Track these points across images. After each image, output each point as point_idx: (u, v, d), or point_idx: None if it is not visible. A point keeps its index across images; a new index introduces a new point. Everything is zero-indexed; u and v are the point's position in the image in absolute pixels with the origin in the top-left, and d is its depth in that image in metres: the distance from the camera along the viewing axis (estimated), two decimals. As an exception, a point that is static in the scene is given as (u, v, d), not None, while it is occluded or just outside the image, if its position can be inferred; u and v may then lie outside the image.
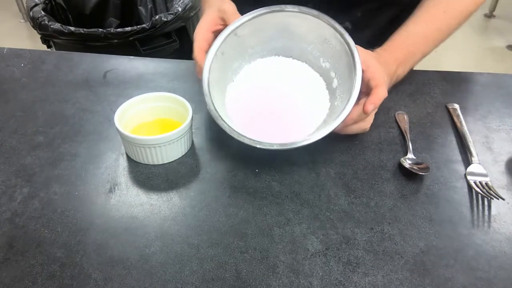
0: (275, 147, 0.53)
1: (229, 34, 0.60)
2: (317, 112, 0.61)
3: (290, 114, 0.61)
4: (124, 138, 0.58)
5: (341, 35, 0.58)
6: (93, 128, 0.65)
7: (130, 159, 0.60)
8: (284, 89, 0.63)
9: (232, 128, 0.55)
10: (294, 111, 0.61)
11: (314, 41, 0.62)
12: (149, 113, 0.64)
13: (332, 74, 0.62)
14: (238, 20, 0.60)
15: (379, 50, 0.65)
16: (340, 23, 0.65)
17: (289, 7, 0.60)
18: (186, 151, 0.61)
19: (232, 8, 0.63)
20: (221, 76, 0.62)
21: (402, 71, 0.66)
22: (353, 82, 0.55)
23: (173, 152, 0.59)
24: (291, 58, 0.65)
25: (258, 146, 0.53)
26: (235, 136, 0.54)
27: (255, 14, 0.60)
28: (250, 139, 0.54)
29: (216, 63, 0.60)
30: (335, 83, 0.61)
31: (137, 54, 1.02)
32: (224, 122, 0.55)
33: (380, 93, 0.56)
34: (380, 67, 0.59)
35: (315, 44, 0.62)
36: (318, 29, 0.60)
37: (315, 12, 0.60)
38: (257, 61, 0.65)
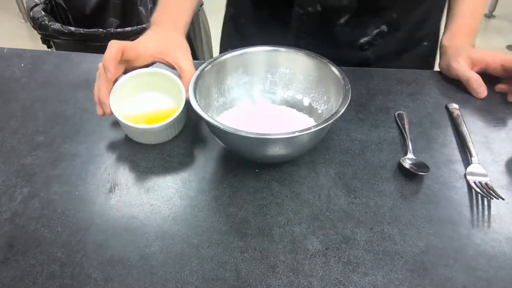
0: (253, 136, 0.50)
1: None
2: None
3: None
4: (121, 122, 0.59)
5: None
6: (93, 128, 0.65)
7: (130, 159, 0.60)
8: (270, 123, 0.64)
9: (211, 118, 0.52)
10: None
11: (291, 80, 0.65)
12: (143, 86, 0.64)
13: (314, 104, 0.64)
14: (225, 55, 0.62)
15: (446, 43, 0.76)
16: (376, 27, 0.70)
17: (282, 48, 0.64)
18: (181, 128, 0.63)
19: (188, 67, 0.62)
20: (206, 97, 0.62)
21: (473, 36, 0.77)
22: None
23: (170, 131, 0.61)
24: (272, 103, 0.67)
25: (239, 133, 0.50)
26: (213, 122, 0.52)
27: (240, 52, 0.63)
28: (230, 127, 0.51)
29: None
30: (321, 108, 0.63)
31: (137, 54, 1.02)
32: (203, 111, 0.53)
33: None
34: (461, 58, 0.72)
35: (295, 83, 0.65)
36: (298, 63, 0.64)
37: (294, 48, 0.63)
38: (238, 107, 0.66)
